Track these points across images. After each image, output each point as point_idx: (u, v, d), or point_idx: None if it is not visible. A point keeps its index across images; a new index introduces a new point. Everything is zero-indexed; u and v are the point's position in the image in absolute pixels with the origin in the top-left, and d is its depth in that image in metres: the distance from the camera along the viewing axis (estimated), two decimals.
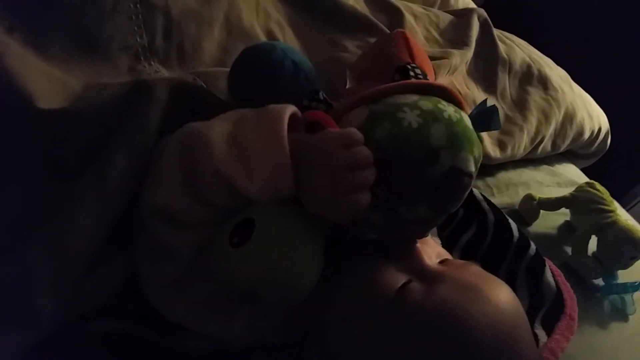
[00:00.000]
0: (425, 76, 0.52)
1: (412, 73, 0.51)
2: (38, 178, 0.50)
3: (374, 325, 0.45)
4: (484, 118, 0.48)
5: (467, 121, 0.46)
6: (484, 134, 0.90)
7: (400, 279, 0.46)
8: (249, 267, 0.40)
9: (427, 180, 0.43)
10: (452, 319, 0.42)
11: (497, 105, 0.98)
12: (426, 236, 0.50)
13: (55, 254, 0.44)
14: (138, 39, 0.61)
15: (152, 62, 0.62)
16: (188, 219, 0.43)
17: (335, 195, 0.39)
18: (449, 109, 0.45)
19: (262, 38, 0.74)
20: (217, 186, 0.42)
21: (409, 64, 0.52)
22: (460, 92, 0.93)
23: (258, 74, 0.56)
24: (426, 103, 0.45)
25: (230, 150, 0.41)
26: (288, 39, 0.77)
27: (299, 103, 0.48)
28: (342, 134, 0.41)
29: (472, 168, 0.44)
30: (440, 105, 0.45)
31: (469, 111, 0.50)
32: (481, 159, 0.46)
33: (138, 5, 0.61)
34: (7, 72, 0.48)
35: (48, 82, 0.51)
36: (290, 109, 0.43)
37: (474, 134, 0.46)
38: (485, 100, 0.48)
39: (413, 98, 0.46)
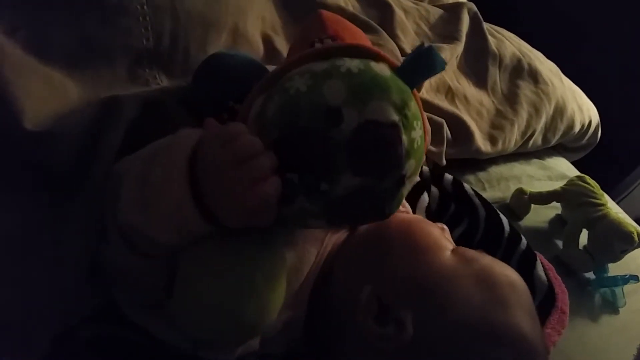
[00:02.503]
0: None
1: (319, 45, 0.45)
2: (31, 191, 0.49)
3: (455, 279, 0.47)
4: (422, 61, 0.40)
5: (379, 70, 0.40)
6: (476, 130, 0.90)
7: (449, 244, 0.52)
8: (182, 318, 0.38)
9: (336, 143, 0.36)
10: (504, 277, 0.49)
11: (488, 99, 0.99)
12: (393, 212, 0.44)
13: (52, 267, 0.44)
14: (144, 42, 0.60)
15: (152, 67, 0.61)
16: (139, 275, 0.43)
17: (235, 194, 0.35)
18: (351, 63, 0.39)
19: (260, 44, 0.74)
20: (141, 239, 0.40)
21: (318, 38, 0.47)
22: (451, 87, 0.93)
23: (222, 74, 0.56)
24: (320, 65, 0.39)
25: (137, 197, 0.39)
26: (282, 43, 0.76)
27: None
28: (216, 134, 0.38)
29: (393, 116, 0.38)
30: (338, 62, 0.39)
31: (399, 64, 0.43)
32: (411, 104, 0.39)
33: (145, 7, 0.59)
34: (1, 85, 0.47)
35: (44, 88, 0.50)
36: (195, 135, 0.39)
37: (391, 81, 0.39)
38: (422, 43, 0.40)
39: (308, 66, 0.40)
